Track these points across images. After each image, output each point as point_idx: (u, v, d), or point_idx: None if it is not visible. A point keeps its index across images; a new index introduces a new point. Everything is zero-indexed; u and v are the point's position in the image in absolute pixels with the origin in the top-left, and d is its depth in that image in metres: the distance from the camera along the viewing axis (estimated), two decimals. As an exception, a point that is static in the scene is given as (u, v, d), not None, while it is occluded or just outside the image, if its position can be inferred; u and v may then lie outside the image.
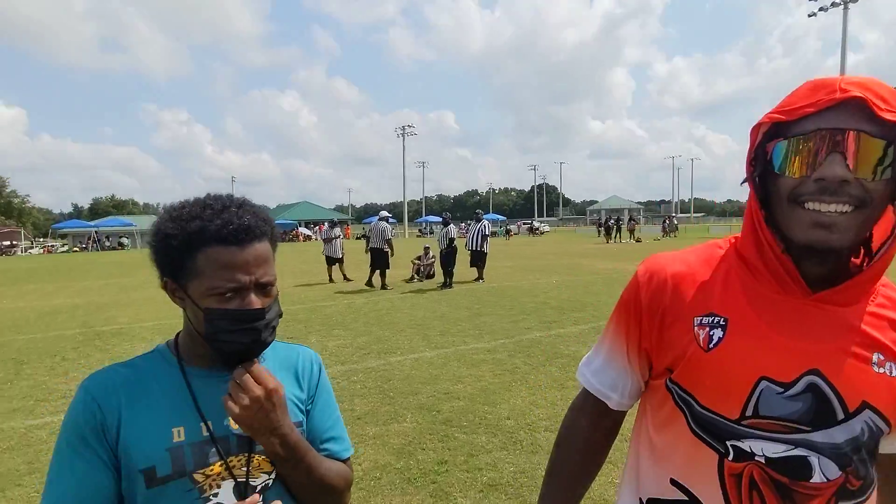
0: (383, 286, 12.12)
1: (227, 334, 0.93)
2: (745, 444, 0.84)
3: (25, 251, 41.67)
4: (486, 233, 12.87)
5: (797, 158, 0.77)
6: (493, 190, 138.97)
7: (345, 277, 13.69)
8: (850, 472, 0.82)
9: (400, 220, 66.58)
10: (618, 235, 32.88)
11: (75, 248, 42.51)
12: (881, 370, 0.82)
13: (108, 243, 42.77)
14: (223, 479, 0.96)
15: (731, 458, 0.85)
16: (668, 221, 40.14)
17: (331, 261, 13.89)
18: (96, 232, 43.65)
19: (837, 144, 0.73)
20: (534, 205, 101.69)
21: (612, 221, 33.60)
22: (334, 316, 8.85)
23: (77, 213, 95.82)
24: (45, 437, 4.08)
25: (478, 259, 12.91)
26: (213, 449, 0.95)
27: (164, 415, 0.95)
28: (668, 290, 0.93)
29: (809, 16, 37.15)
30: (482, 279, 12.89)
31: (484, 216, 13.53)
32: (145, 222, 49.76)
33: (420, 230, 64.11)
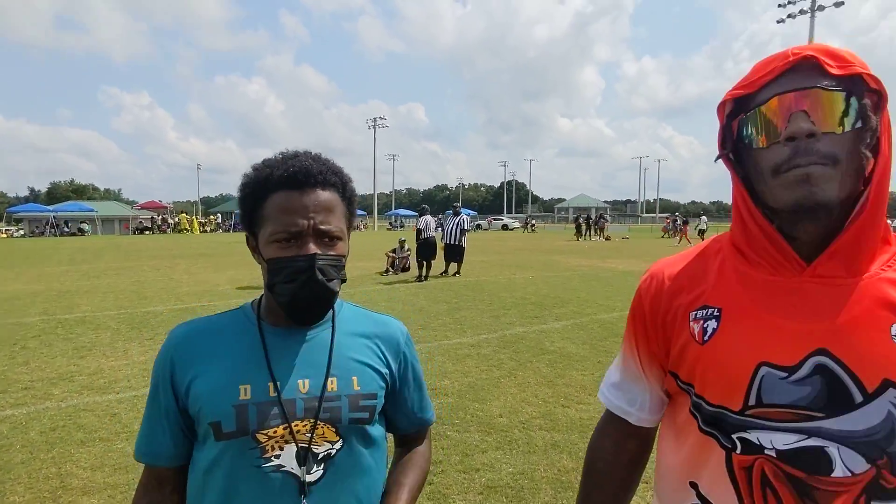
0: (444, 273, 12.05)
1: (284, 285, 0.93)
2: (753, 436, 0.78)
3: None
4: (465, 227, 12.78)
5: (764, 126, 0.77)
6: (463, 185, 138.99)
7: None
8: (881, 466, 0.72)
9: (370, 212, 65.95)
10: (588, 233, 33.34)
11: (31, 234, 40.64)
12: None
13: (66, 229, 41.01)
14: (286, 441, 0.94)
15: (738, 451, 0.80)
16: (672, 222, 38.64)
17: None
18: (55, 217, 41.74)
19: (799, 103, 0.74)
20: (503, 201, 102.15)
21: (583, 219, 34.05)
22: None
23: (34, 197, 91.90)
24: (7, 431, 3.79)
25: (455, 253, 12.79)
26: (278, 410, 0.94)
27: (235, 371, 0.96)
28: (666, 291, 0.92)
29: (778, 22, 38.18)
30: (459, 273, 12.80)
31: (462, 210, 13.43)
32: (106, 208, 47.94)
33: (390, 223, 63.69)
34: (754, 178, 0.81)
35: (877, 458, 0.72)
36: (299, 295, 0.94)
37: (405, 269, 13.52)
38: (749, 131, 0.79)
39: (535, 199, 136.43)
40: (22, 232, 41.45)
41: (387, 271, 13.41)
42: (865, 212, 0.76)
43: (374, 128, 63.00)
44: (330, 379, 0.99)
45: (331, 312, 1.06)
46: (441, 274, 12.69)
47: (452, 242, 12.70)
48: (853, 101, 0.74)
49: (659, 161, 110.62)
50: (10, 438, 3.69)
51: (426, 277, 11.94)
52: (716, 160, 0.86)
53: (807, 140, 0.73)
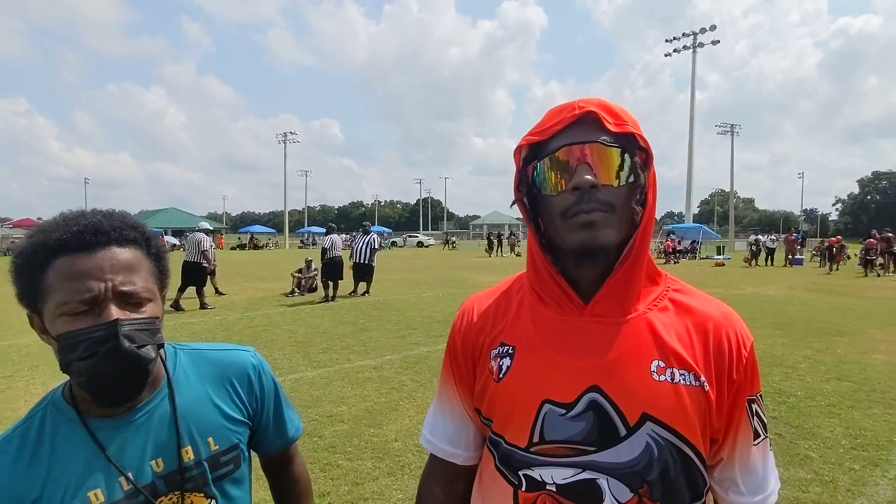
0: (202, 305, 10.55)
1: (81, 362, 0.79)
2: (536, 473, 0.82)
3: None
4: (375, 246, 12.61)
5: (553, 174, 0.81)
6: (379, 202, 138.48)
7: (217, 291, 12.68)
8: (642, 494, 0.78)
9: (280, 230, 63.83)
10: (499, 249, 34.17)
11: None
12: (662, 378, 0.79)
13: None
14: None
15: (523, 488, 0.83)
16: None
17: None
18: None
19: (584, 156, 0.79)
20: (419, 218, 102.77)
21: (494, 236, 34.91)
22: (202, 334, 8.06)
23: None
24: None
25: (364, 272, 12.58)
26: (141, 499, 0.87)
27: (77, 481, 0.84)
28: (475, 327, 0.94)
29: (666, 55, 41.74)
30: (368, 293, 12.59)
31: (372, 228, 13.27)
32: None
33: (302, 241, 61.99)
34: (546, 221, 0.85)
35: (638, 486, 0.78)
36: (101, 371, 0.80)
37: (312, 289, 13.10)
38: (541, 178, 0.83)
39: (451, 216, 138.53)
40: None
41: (292, 292, 12.92)
42: (632, 256, 0.82)
43: (285, 142, 61.36)
44: (184, 450, 0.92)
45: (164, 377, 0.95)
46: (350, 294, 12.42)
47: (361, 261, 12.47)
48: (627, 157, 0.80)
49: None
50: None
51: (333, 298, 11.62)
52: (511, 205, 0.89)
53: (589, 190, 0.78)
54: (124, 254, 0.85)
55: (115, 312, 0.80)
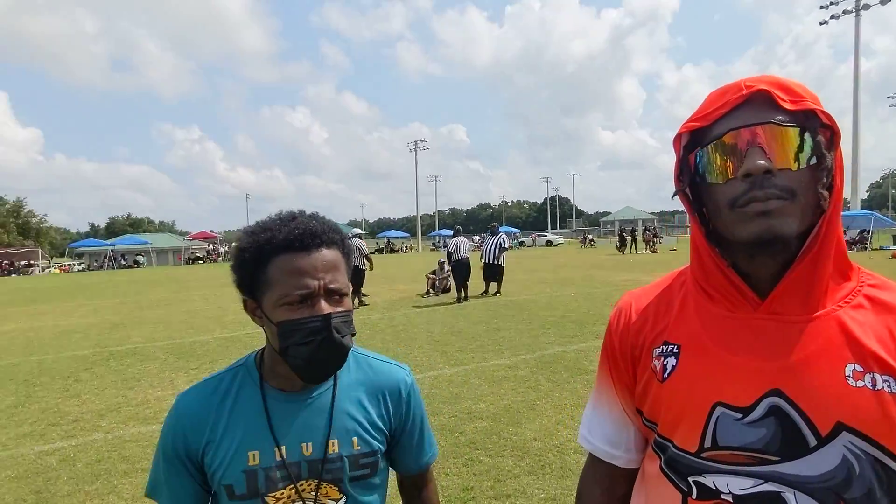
0: (360, 303, 11.84)
1: (298, 347, 0.93)
2: (709, 480, 0.75)
3: (43, 270, 42.10)
4: (505, 246, 12.69)
5: (719, 161, 0.75)
6: (506, 203, 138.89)
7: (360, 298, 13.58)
8: None
9: (413, 233, 66.58)
10: (633, 246, 32.49)
11: (89, 267, 43.04)
12: (860, 383, 0.69)
13: (124, 261, 43.37)
14: (293, 501, 0.99)
15: (694, 496, 0.76)
16: (648, 232, 35.60)
17: (345, 276, 13.77)
18: (112, 250, 44.23)
19: (754, 138, 0.72)
20: (547, 217, 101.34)
21: (628, 233, 33.18)
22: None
23: (94, 231, 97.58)
24: (56, 464, 3.94)
25: (494, 272, 12.71)
26: (284, 473, 0.98)
27: (243, 437, 0.98)
28: (634, 326, 0.90)
29: (821, 24, 36.97)
30: (499, 293, 12.69)
31: (500, 229, 13.37)
32: (160, 240, 50.52)
33: (434, 244, 64.11)
34: (711, 212, 0.79)
35: None
36: (316, 356, 0.94)
37: (446, 290, 13.51)
38: (705, 166, 0.77)
39: (580, 213, 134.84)
40: (84, 266, 43.92)
41: (427, 293, 13.43)
42: (817, 246, 0.74)
43: (415, 150, 64.00)
44: (331, 441, 1.01)
45: None
46: (481, 294, 12.62)
47: (491, 262, 12.62)
48: (807, 137, 0.72)
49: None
50: (58, 470, 3.83)
51: (466, 298, 11.88)
52: (673, 196, 0.84)
53: (763, 176, 0.71)
54: (331, 255, 0.97)
55: (325, 307, 0.93)
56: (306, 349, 0.93)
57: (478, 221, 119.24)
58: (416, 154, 63.86)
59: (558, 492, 3.13)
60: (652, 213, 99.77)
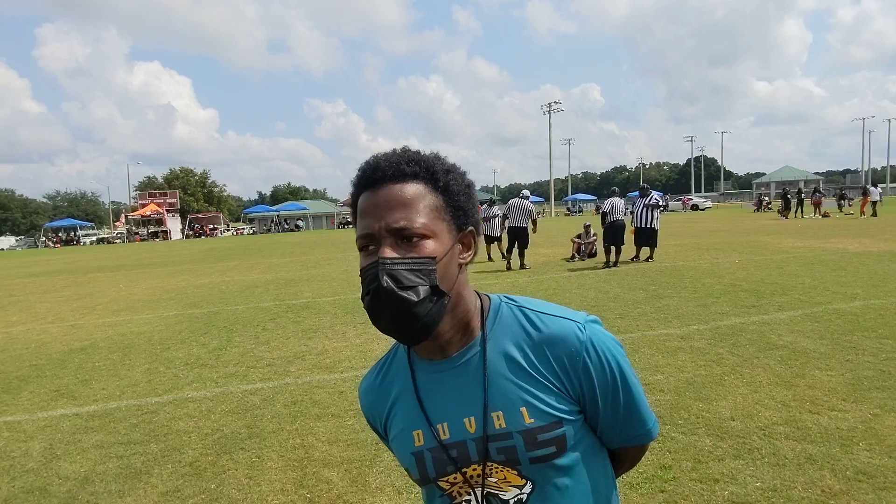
0: (522, 266, 11.64)
1: (364, 300, 0.80)
2: None
3: (222, 233, 49.28)
4: (660, 204, 11.86)
5: None
6: (644, 165, 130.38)
7: (503, 256, 13.57)
8: None
9: (546, 198, 65.31)
10: (799, 209, 28.79)
11: (258, 230, 49.23)
12: None
13: (286, 225, 49.05)
14: (469, 487, 0.86)
15: None
16: (841, 194, 33.38)
17: (489, 239, 13.86)
18: (278, 215, 50.37)
19: None
20: (690, 179, 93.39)
21: (794, 195, 29.41)
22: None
23: (261, 199, 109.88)
24: (259, 402, 4.39)
25: (646, 237, 11.91)
26: (448, 455, 0.85)
27: (407, 416, 0.90)
28: None
29: None
30: (652, 258, 11.90)
31: (652, 191, 12.47)
32: (316, 206, 56.30)
33: (568, 208, 62.36)
34: None
35: None
36: (373, 310, 0.79)
37: (592, 254, 13.00)
38: None
39: (729, 174, 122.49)
40: (254, 229, 50.61)
41: (573, 257, 13.03)
42: None
43: (549, 113, 62.06)
44: (495, 414, 0.83)
45: (479, 326, 0.88)
46: (631, 259, 11.92)
47: (642, 226, 11.85)
48: None
49: (889, 121, 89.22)
50: (262, 409, 4.25)
51: (616, 263, 11.30)
52: None
53: None
54: (402, 189, 0.80)
55: (388, 251, 0.77)
56: (368, 301, 0.79)
57: (612, 185, 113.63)
58: (549, 117, 61.85)
59: (777, 482, 2.77)
60: (816, 174, 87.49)
